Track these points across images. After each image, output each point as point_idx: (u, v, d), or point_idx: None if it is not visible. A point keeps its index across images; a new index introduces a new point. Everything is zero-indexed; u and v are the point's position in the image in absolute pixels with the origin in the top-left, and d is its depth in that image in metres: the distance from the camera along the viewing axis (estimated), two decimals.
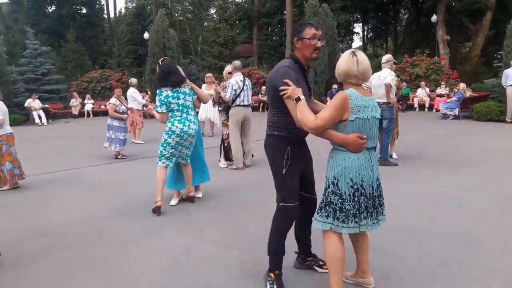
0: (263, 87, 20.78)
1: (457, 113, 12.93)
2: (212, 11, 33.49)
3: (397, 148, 7.21)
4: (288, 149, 2.56)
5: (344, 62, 2.35)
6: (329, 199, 2.40)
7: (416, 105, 16.58)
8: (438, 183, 5.30)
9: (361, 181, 2.33)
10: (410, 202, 4.58)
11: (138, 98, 9.80)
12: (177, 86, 4.44)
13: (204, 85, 8.58)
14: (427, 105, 16.35)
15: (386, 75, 6.41)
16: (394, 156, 6.95)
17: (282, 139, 2.58)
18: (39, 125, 16.18)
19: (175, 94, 4.43)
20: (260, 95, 20.56)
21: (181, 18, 42.68)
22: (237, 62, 6.69)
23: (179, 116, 4.45)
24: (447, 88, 16.22)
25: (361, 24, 37.16)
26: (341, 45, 31.36)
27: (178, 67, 4.71)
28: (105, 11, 36.40)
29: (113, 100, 7.80)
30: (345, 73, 2.35)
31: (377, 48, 42.94)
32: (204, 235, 3.74)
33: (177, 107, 4.44)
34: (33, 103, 16.52)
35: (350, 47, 37.48)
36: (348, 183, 2.33)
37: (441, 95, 15.84)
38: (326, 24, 17.05)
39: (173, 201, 4.78)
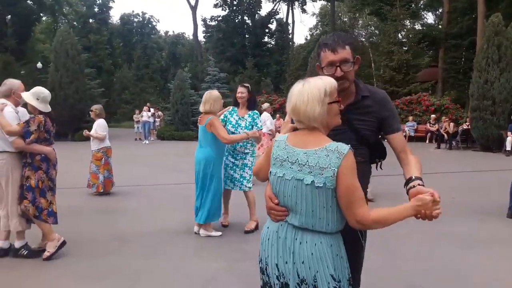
0: (433, 115, 18.59)
1: None
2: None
3: None
4: None
5: None
6: None
7: None
8: None
9: (265, 263, 1.61)
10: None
11: (267, 122, 10.22)
12: None
13: None
14: None
15: None
16: None
17: None
18: None
19: None
20: (428, 124, 18.43)
21: (366, 43, 42.18)
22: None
23: None
24: None
25: None
26: None
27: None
28: (288, 40, 39.38)
29: None
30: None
31: None
32: (239, 266, 3.59)
33: None
34: None
35: None
36: (258, 257, 1.70)
37: None
38: None
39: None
